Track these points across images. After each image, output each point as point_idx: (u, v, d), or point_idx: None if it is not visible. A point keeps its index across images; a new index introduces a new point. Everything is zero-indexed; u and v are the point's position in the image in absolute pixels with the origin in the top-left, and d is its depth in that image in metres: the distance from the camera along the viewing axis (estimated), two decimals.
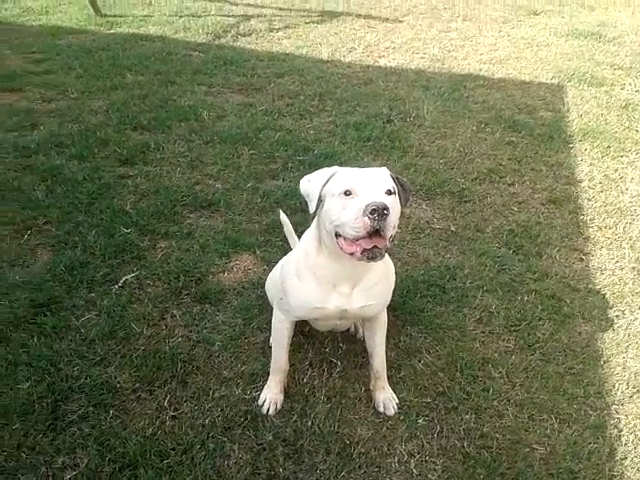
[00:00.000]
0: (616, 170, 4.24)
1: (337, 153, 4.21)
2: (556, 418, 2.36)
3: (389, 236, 1.79)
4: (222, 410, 2.32)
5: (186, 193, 3.67)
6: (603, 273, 3.20)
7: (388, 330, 2.65)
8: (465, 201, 3.80)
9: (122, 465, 2.09)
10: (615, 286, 3.11)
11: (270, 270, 2.71)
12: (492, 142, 4.58)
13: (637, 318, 2.90)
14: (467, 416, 2.34)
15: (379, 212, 1.71)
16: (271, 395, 2.35)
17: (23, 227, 3.27)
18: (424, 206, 3.75)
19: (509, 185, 4.02)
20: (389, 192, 1.84)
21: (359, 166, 2.00)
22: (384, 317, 2.34)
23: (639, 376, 2.58)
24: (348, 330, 2.71)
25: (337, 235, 1.87)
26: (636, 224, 3.62)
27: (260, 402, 2.34)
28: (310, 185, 1.98)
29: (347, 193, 1.82)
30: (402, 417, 2.33)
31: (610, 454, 2.24)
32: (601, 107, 5.27)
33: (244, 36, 6.88)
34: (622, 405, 2.44)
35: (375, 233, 1.75)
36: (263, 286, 2.76)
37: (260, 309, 2.81)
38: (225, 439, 2.21)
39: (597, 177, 4.13)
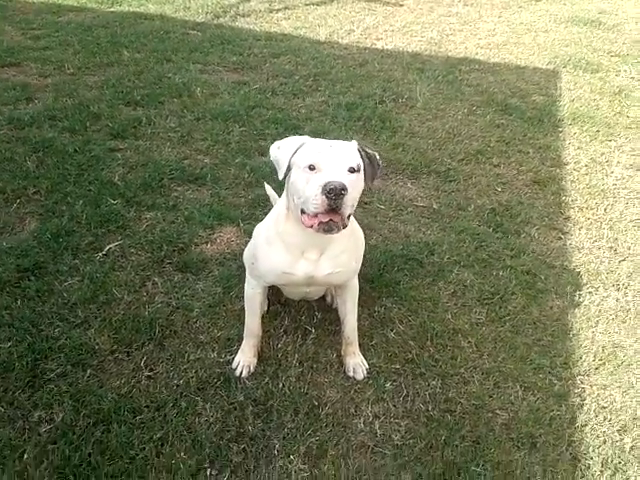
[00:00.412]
0: (603, 154, 4.27)
1: (327, 132, 4.25)
2: (521, 386, 2.42)
3: (347, 213, 1.88)
4: (196, 372, 2.39)
5: (174, 167, 3.73)
6: (580, 252, 3.26)
7: (363, 300, 2.74)
8: (450, 180, 3.84)
9: (96, 420, 2.16)
10: (591, 264, 3.16)
11: None
12: (482, 124, 4.62)
13: (610, 295, 2.95)
14: (433, 382, 2.41)
15: (336, 192, 1.79)
16: (244, 359, 2.42)
17: (13, 196, 3.34)
18: (409, 185, 3.80)
19: (495, 166, 4.06)
20: (352, 170, 1.90)
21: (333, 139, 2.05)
22: (355, 285, 2.40)
23: (607, 349, 2.64)
24: (324, 299, 2.77)
25: (302, 212, 1.94)
26: (617, 206, 3.67)
27: (234, 365, 2.41)
28: (279, 152, 2.03)
29: (311, 167, 1.88)
30: (370, 381, 2.40)
31: (571, 421, 2.30)
32: (594, 92, 5.29)
33: (243, 16, 6.90)
34: (587, 376, 2.51)
35: (333, 210, 1.83)
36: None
37: (240, 279, 2.85)
38: (198, 398, 2.28)
39: (583, 160, 4.17)
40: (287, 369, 2.43)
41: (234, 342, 2.53)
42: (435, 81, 5.36)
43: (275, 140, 4.06)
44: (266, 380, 2.37)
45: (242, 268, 2.85)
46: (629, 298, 2.94)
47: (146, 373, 2.37)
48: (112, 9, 6.92)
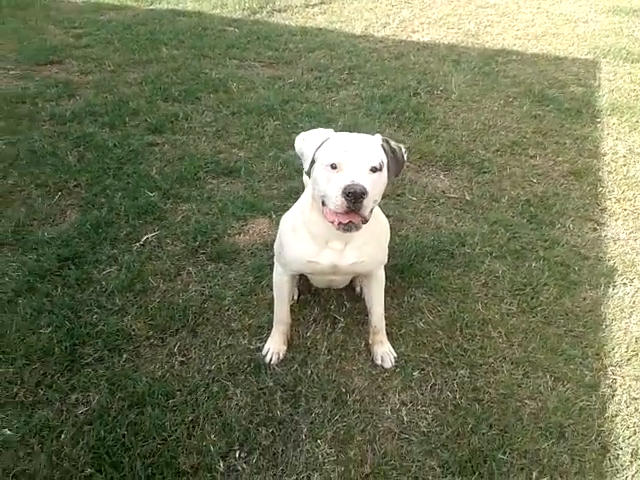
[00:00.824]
0: None
1: (360, 125, 4.27)
2: (551, 376, 2.41)
3: (367, 213, 1.91)
4: (228, 358, 2.45)
5: (210, 160, 3.80)
6: (616, 243, 3.20)
7: (393, 290, 2.76)
8: (484, 172, 3.82)
9: (131, 403, 2.24)
10: (626, 255, 3.10)
11: None
12: (518, 115, 4.57)
13: None
14: (462, 371, 2.41)
15: (355, 196, 1.82)
16: (274, 346, 2.47)
17: (54, 189, 3.47)
18: (442, 176, 3.79)
19: (530, 157, 4.02)
20: (374, 169, 1.92)
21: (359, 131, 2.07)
22: (381, 275, 2.42)
23: (639, 341, 2.60)
24: (353, 290, 2.80)
25: (323, 203, 1.98)
26: None
27: (264, 352, 2.46)
28: (304, 145, 2.06)
29: (333, 166, 1.91)
30: (398, 370, 2.42)
31: (601, 411, 2.28)
32: (634, 83, 5.17)
33: (279, 12, 6.96)
34: (619, 367, 2.47)
35: (352, 210, 1.87)
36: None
37: (271, 268, 2.88)
38: (229, 383, 2.34)
39: (621, 151, 4.09)
40: (316, 356, 2.46)
41: (264, 330, 2.58)
42: (471, 73, 5.32)
43: None
44: (295, 367, 2.41)
45: (273, 259, 2.91)
46: None
47: (179, 358, 2.44)
48: (151, 7, 7.07)
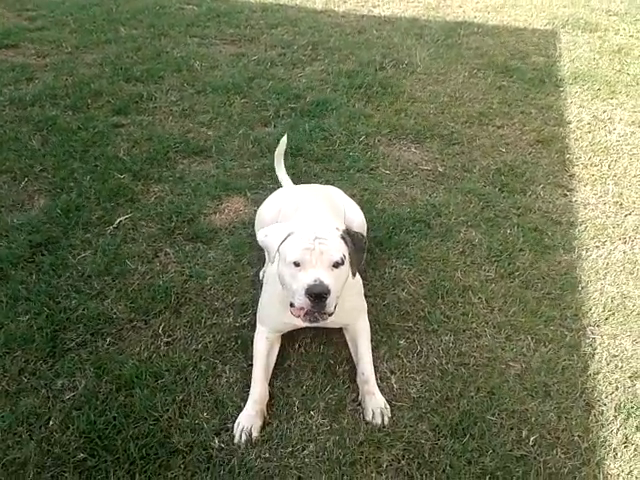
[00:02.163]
0: (604, 111, 4.27)
1: (328, 100, 4.25)
2: (532, 338, 2.47)
3: (331, 309, 1.99)
4: (214, 336, 2.44)
5: (179, 140, 3.74)
6: (586, 207, 3.28)
7: (374, 262, 2.78)
8: (454, 143, 3.86)
9: (119, 386, 2.21)
10: (597, 219, 3.19)
11: None
12: (483, 87, 4.61)
13: (617, 248, 2.99)
14: (446, 337, 2.45)
15: (318, 297, 1.92)
16: (244, 419, 2.09)
17: (20, 174, 3.36)
18: (413, 149, 3.81)
19: (498, 127, 4.07)
20: (336, 264, 2.01)
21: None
22: (363, 327, 2.37)
23: (616, 300, 2.68)
24: None
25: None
26: (621, 162, 3.68)
27: (234, 429, 2.08)
28: (267, 240, 2.14)
29: (296, 264, 2.00)
30: (385, 339, 2.44)
31: (583, 370, 2.35)
32: (594, 52, 5.27)
33: None
34: (597, 326, 2.55)
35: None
36: (254, 225, 2.85)
37: (250, 246, 2.91)
38: (217, 361, 2.33)
39: (585, 118, 4.18)
40: (303, 332, 2.46)
41: (249, 307, 2.57)
42: (434, 46, 5.33)
43: (278, 110, 4.10)
44: (282, 341, 2.40)
45: (252, 236, 2.90)
46: (636, 250, 2.97)
47: (165, 339, 2.42)
48: None
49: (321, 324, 2.18)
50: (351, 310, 2.32)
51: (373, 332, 2.41)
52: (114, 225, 3.02)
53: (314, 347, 2.39)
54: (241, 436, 2.04)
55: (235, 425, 2.08)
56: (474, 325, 2.51)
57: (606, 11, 6.30)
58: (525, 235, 3.03)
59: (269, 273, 2.34)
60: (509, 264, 2.85)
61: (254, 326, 2.42)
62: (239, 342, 2.40)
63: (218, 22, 5.76)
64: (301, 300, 1.95)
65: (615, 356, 2.42)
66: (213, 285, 2.69)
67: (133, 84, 4.48)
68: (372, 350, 2.33)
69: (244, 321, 2.50)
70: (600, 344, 2.47)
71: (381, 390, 2.22)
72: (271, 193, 2.92)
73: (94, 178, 3.34)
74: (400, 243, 2.96)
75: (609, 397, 2.24)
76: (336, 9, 6.27)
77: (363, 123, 4.02)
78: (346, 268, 2.06)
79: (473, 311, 2.58)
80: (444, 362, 2.35)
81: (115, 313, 2.52)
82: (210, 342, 2.41)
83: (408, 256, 2.89)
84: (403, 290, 2.69)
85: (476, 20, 6.03)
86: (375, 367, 2.30)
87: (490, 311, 2.59)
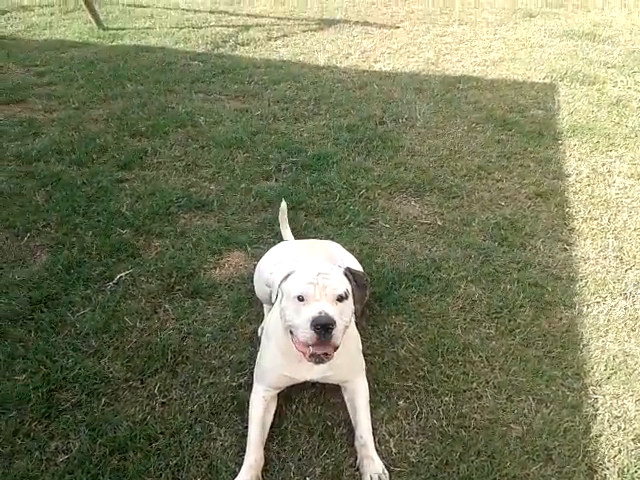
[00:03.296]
0: (604, 164, 4.30)
1: (329, 154, 4.31)
2: (534, 399, 2.43)
3: (338, 343, 1.96)
4: (210, 397, 2.41)
5: (181, 195, 3.78)
6: (586, 262, 3.27)
7: (373, 318, 2.77)
8: (453, 197, 3.88)
9: (112, 449, 2.18)
10: (597, 274, 3.17)
11: None
12: (482, 140, 4.67)
13: (618, 304, 2.96)
14: (446, 398, 2.42)
15: (325, 328, 1.90)
16: None
17: (23, 230, 3.39)
18: (413, 203, 3.83)
19: (497, 181, 4.10)
20: (340, 298, 2.00)
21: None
22: (362, 386, 2.35)
23: (617, 358, 2.64)
24: None
25: (291, 332, 2.05)
26: (621, 215, 3.68)
27: None
28: (272, 277, 2.17)
29: (300, 298, 1.99)
30: (383, 400, 2.41)
31: (586, 431, 2.30)
32: (592, 104, 5.34)
33: (243, 45, 7.01)
34: (599, 386, 2.51)
35: (323, 341, 1.93)
36: (253, 280, 2.85)
37: (250, 302, 2.91)
38: (212, 423, 2.30)
39: (584, 171, 4.20)
40: (300, 392, 2.43)
41: (246, 365, 2.55)
42: (434, 100, 5.42)
43: (280, 164, 4.17)
44: (279, 402, 2.37)
45: (252, 292, 2.89)
46: (637, 306, 2.95)
47: (160, 400, 2.39)
48: (114, 43, 7.04)
49: (320, 379, 2.19)
50: (351, 365, 2.31)
51: (371, 392, 2.38)
52: (114, 281, 3.03)
53: (311, 408, 2.36)
54: None
55: None
56: (475, 385, 2.48)
57: (604, 63, 6.40)
58: (525, 290, 3.02)
59: (269, 323, 2.34)
60: (509, 321, 2.83)
61: (251, 386, 2.40)
62: (235, 403, 2.37)
63: (223, 78, 5.90)
64: (307, 334, 1.91)
65: (618, 417, 2.37)
66: (211, 342, 2.68)
67: (138, 139, 4.56)
68: (371, 411, 2.30)
69: (241, 380, 2.48)
70: (602, 404, 2.42)
71: (379, 454, 2.18)
72: (271, 247, 2.93)
73: (96, 233, 3.37)
74: (400, 299, 2.95)
75: (612, 461, 2.19)
76: (338, 65, 6.41)
77: (363, 177, 4.06)
78: (350, 303, 2.04)
79: (474, 370, 2.55)
80: (444, 424, 2.30)
81: (111, 372, 2.50)
82: (206, 402, 2.38)
83: (408, 312, 2.87)
84: (402, 347, 2.67)
85: (475, 74, 6.15)
86: (374, 429, 2.26)
87: (491, 370, 2.56)
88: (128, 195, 3.79)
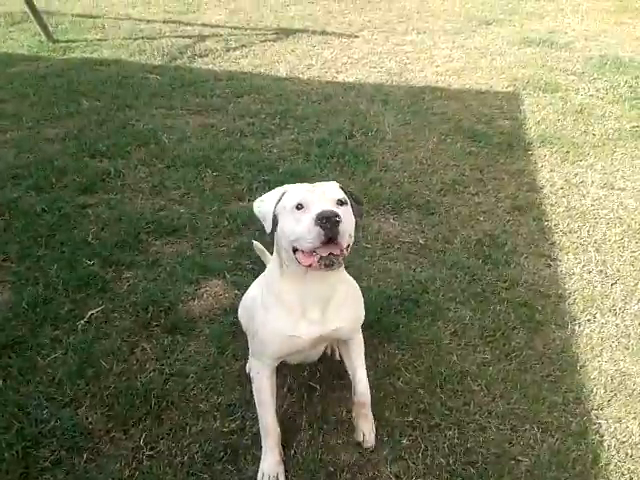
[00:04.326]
0: (576, 174, 4.31)
1: (302, 171, 4.19)
2: (538, 428, 2.36)
3: (345, 244, 1.80)
4: (200, 445, 2.25)
5: (150, 220, 3.59)
6: (571, 278, 3.24)
7: (365, 349, 2.63)
8: (431, 213, 3.81)
9: None
10: (584, 290, 3.14)
11: (242, 294, 2.63)
12: (453, 153, 4.62)
13: (608, 321, 2.93)
14: (450, 432, 2.32)
15: (331, 220, 1.72)
16: (268, 468, 2.13)
17: None
18: (391, 220, 3.74)
19: (473, 195, 4.05)
20: (340, 202, 1.86)
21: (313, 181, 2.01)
22: (360, 338, 2.29)
23: (615, 379, 2.60)
24: (324, 353, 2.66)
25: (294, 250, 1.86)
26: (599, 227, 3.68)
27: (258, 479, 2.13)
28: (263, 205, 1.97)
29: (299, 207, 1.83)
30: (386, 438, 2.30)
31: (594, 460, 2.24)
32: (557, 113, 5.37)
33: (201, 57, 6.82)
34: (601, 410, 2.46)
35: (330, 241, 1.75)
36: (236, 312, 2.68)
37: (234, 336, 2.75)
38: (206, 476, 2.15)
39: (558, 182, 4.20)
40: (296, 433, 2.31)
41: (237, 408, 2.40)
42: (401, 112, 5.35)
43: (251, 183, 4.01)
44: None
45: (235, 324, 2.75)
46: (628, 322, 2.92)
47: (147, 452, 2.22)
48: (65, 56, 6.75)
49: (330, 334, 2.06)
50: (358, 315, 2.22)
51: None
52: (85, 319, 2.83)
53: (311, 453, 2.22)
54: None
55: (260, 475, 2.11)
56: (477, 417, 2.39)
57: (564, 70, 6.47)
58: (516, 311, 2.96)
59: (261, 292, 2.13)
60: (504, 345, 2.75)
61: (243, 431, 2.26)
62: (229, 451, 2.22)
63: (183, 92, 5.70)
64: (313, 234, 1.74)
65: (623, 442, 2.32)
66: (196, 384, 2.51)
67: (99, 160, 4.33)
68: (373, 451, 2.19)
69: (232, 425, 2.32)
70: (607, 430, 2.37)
71: None
72: (251, 274, 2.77)
73: (61, 266, 3.16)
74: (390, 325, 2.84)
75: None
76: (300, 76, 6.30)
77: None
78: (350, 211, 1.90)
79: (474, 400, 2.46)
80: (451, 462, 2.21)
81: (91, 423, 2.32)
82: (197, 453, 2.22)
83: (400, 339, 2.77)
84: (399, 379, 2.56)
85: (439, 84, 6.12)
86: (378, 471, 2.16)
87: (492, 399, 2.47)
88: (93, 222, 3.58)
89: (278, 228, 1.92)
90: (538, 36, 7.62)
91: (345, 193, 1.95)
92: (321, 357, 2.63)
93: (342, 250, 1.79)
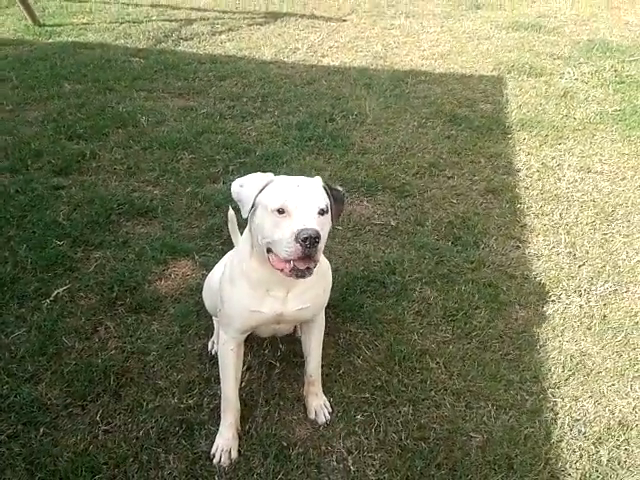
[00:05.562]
0: (553, 158, 4.31)
1: (279, 154, 4.19)
2: (493, 405, 2.38)
3: (319, 257, 1.82)
4: (156, 421, 2.27)
5: (122, 201, 3.59)
6: (539, 259, 3.25)
7: (328, 328, 2.64)
8: (405, 196, 3.81)
9: None
10: (551, 271, 3.15)
11: None
12: (433, 136, 4.61)
13: (573, 302, 2.95)
14: (405, 408, 2.34)
15: (311, 241, 1.72)
16: (223, 442, 2.16)
17: None
18: (365, 202, 3.75)
19: (448, 178, 4.05)
20: (322, 212, 1.84)
21: (295, 171, 2.00)
22: (322, 319, 2.29)
23: (575, 358, 2.61)
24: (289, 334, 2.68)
25: (268, 250, 1.86)
26: (572, 210, 3.68)
27: (212, 451, 2.15)
28: (243, 190, 1.93)
29: (280, 211, 1.80)
30: (341, 414, 2.32)
31: (546, 437, 2.26)
32: (540, 97, 5.36)
33: (186, 40, 6.80)
34: (558, 388, 2.48)
35: (307, 256, 1.76)
36: (202, 292, 2.70)
37: (198, 315, 2.77)
38: (159, 450, 2.16)
39: (535, 166, 4.20)
40: (253, 409, 2.33)
41: (195, 385, 2.42)
42: (383, 95, 5.34)
43: (227, 166, 4.01)
44: None
45: (200, 304, 2.76)
46: (592, 303, 2.94)
47: (103, 427, 2.24)
48: (50, 40, 6.72)
49: (294, 313, 2.06)
50: (325, 297, 2.20)
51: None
52: (51, 298, 2.84)
53: (265, 428, 2.24)
54: (221, 457, 2.12)
55: (214, 448, 2.15)
56: (433, 393, 2.41)
57: (550, 55, 6.45)
58: (480, 291, 2.97)
59: (228, 264, 2.14)
60: (465, 324, 2.77)
61: (200, 407, 2.29)
62: (184, 427, 2.24)
63: (166, 75, 5.69)
64: (290, 248, 1.74)
65: (577, 420, 2.34)
66: (157, 361, 2.53)
67: (76, 142, 4.33)
68: (328, 427, 2.21)
69: (190, 402, 2.34)
70: (562, 407, 2.39)
71: (337, 473, 2.09)
72: (220, 256, 2.77)
73: (31, 246, 3.17)
74: (354, 305, 2.86)
75: (573, 467, 2.15)
76: (285, 60, 6.28)
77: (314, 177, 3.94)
78: (329, 218, 1.89)
79: (431, 377, 2.48)
80: (403, 437, 2.23)
81: (50, 399, 2.33)
82: (152, 428, 2.23)
83: (363, 319, 2.79)
84: (359, 357, 2.58)
85: (423, 68, 6.10)
86: (331, 446, 2.18)
87: (449, 377, 2.49)
88: (65, 203, 3.58)
89: (256, 219, 1.90)
90: (527, 20, 7.59)
91: (328, 190, 1.93)
92: (283, 336, 2.66)
93: (316, 262, 1.80)
